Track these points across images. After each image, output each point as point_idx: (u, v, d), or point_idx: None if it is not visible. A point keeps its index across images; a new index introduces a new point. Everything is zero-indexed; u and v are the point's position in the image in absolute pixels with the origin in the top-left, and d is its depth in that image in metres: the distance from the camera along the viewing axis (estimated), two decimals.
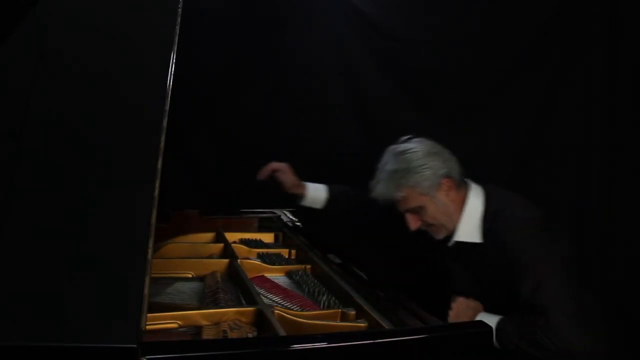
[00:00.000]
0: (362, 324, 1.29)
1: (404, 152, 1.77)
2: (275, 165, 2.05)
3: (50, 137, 1.06)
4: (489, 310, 1.70)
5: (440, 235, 1.79)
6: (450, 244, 1.79)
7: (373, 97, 2.49)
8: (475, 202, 1.77)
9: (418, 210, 1.75)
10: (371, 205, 2.06)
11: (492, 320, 1.59)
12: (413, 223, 1.77)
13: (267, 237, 2.11)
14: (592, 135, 2.46)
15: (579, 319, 1.55)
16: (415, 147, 1.77)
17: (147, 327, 1.03)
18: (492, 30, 2.43)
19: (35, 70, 1.12)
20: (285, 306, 1.39)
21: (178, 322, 1.25)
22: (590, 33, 2.41)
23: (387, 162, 1.79)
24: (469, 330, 1.15)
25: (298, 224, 2.12)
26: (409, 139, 1.81)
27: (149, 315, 1.05)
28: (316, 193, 2.10)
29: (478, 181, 2.44)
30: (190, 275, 1.68)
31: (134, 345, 0.82)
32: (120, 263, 0.92)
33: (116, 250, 0.94)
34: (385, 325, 1.22)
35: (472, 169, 2.47)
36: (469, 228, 1.75)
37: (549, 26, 2.43)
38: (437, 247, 1.85)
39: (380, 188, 1.78)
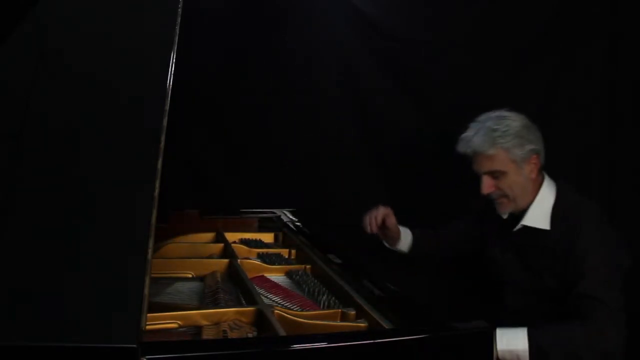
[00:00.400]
0: (362, 324, 1.29)
1: (505, 117, 1.79)
2: (384, 210, 2.01)
3: (50, 137, 1.06)
4: (537, 294, 1.78)
5: (506, 210, 1.81)
6: (516, 228, 1.82)
7: (373, 97, 2.49)
8: (547, 191, 1.80)
9: (498, 175, 1.77)
10: (448, 244, 2.13)
11: (520, 333, 1.58)
12: (488, 187, 1.79)
13: (267, 237, 2.10)
14: (592, 135, 2.46)
15: (624, 325, 1.62)
16: (517, 117, 1.79)
17: (147, 327, 1.03)
18: (492, 30, 2.43)
19: (35, 70, 1.12)
20: (285, 306, 1.39)
21: (178, 322, 1.25)
22: (591, 33, 2.41)
23: (487, 120, 1.80)
24: (469, 330, 1.15)
25: (298, 224, 2.12)
26: (507, 109, 1.82)
27: (149, 315, 1.05)
28: (406, 236, 2.10)
29: (477, 181, 2.44)
30: (190, 275, 1.68)
31: (134, 345, 0.82)
32: (120, 263, 0.92)
33: (116, 250, 0.94)
34: (385, 325, 1.22)
35: (471, 168, 2.48)
36: (537, 214, 1.78)
37: (549, 26, 2.43)
38: (493, 231, 1.90)
39: (475, 140, 1.78)
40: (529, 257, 1.81)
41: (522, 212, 1.81)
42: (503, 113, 1.81)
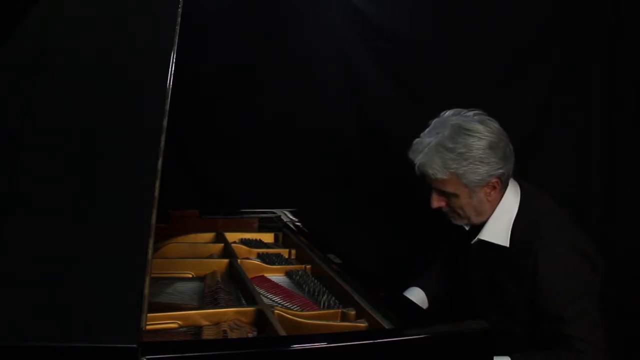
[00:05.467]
0: (362, 324, 1.28)
1: (468, 131, 1.54)
2: None
3: (50, 137, 1.06)
4: (506, 316, 1.62)
5: (458, 223, 1.67)
6: (473, 242, 1.66)
7: (373, 97, 2.49)
8: (509, 204, 1.61)
9: (449, 196, 1.59)
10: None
11: None
12: (437, 202, 1.62)
13: (267, 237, 2.10)
14: (592, 135, 2.46)
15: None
16: (481, 134, 1.53)
17: (147, 327, 1.03)
18: (492, 29, 2.43)
19: (35, 70, 1.12)
20: (285, 306, 1.39)
21: (178, 322, 1.25)
22: (591, 33, 2.41)
23: (445, 131, 1.56)
24: (469, 330, 1.15)
25: (298, 224, 2.12)
26: (477, 114, 1.60)
27: (149, 315, 1.05)
28: (421, 298, 1.84)
29: None
30: (190, 275, 1.68)
31: (134, 345, 0.82)
32: (120, 263, 0.92)
33: (116, 250, 0.94)
34: (386, 325, 1.22)
35: None
36: (497, 229, 1.60)
37: (549, 26, 2.43)
38: (460, 243, 1.75)
39: (423, 157, 1.57)
40: (493, 274, 1.64)
41: (482, 224, 1.64)
42: (467, 125, 1.55)
